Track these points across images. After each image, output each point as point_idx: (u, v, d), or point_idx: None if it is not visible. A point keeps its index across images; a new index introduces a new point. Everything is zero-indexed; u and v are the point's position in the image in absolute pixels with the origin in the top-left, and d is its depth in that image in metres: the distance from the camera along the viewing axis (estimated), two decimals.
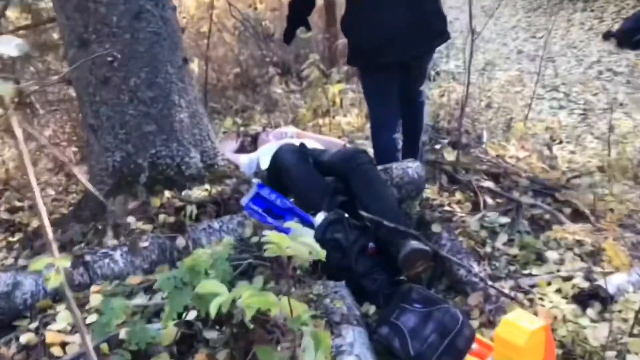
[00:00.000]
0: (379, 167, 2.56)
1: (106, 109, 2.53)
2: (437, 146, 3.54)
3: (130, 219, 2.48)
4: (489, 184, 3.07)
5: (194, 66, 5.83)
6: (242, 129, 4.25)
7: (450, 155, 3.42)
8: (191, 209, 2.45)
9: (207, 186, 2.65)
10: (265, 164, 2.88)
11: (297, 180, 2.45)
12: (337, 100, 4.64)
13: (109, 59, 2.32)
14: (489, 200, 2.91)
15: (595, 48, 7.11)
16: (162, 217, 2.47)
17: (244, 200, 2.20)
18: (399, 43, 2.67)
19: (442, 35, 2.82)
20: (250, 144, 3.75)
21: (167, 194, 2.57)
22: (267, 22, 5.22)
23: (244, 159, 3.28)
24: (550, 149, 4.13)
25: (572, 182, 3.17)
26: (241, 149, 3.72)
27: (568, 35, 7.50)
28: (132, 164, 2.59)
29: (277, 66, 5.87)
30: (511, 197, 2.87)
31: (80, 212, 2.73)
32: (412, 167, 2.65)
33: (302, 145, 2.97)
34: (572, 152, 4.39)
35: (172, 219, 2.46)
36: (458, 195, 2.95)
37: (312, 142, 3.18)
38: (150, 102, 2.55)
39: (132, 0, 2.42)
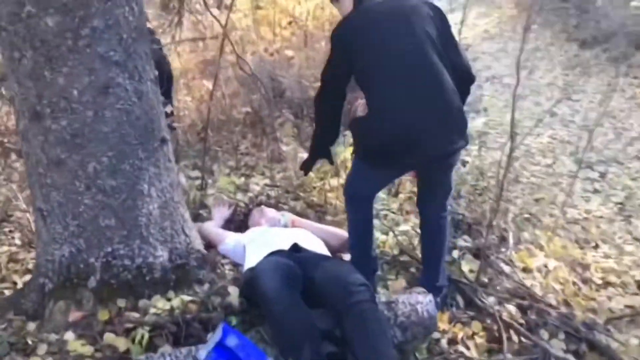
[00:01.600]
0: None
1: (57, 195, 2.07)
2: (455, 252, 3.03)
3: (69, 335, 2.01)
4: (513, 313, 2.58)
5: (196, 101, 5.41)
6: (235, 197, 3.82)
7: (467, 266, 2.92)
8: (142, 334, 1.98)
9: (170, 295, 2.18)
10: (250, 262, 2.41)
11: (277, 314, 1.96)
12: (349, 165, 4.17)
13: None
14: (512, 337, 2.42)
15: (637, 121, 6.58)
16: (108, 337, 2.00)
17: (201, 354, 1.71)
18: (429, 140, 2.25)
19: (464, 135, 2.38)
20: (243, 216, 3.29)
21: (120, 303, 2.11)
22: (279, 76, 4.75)
23: (230, 241, 2.82)
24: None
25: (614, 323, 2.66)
26: (232, 220, 3.26)
27: (607, 102, 6.96)
28: (82, 262, 2.12)
29: (290, 108, 5.43)
30: (538, 342, 2.37)
31: (23, 302, 2.27)
32: (423, 304, 2.16)
33: (295, 247, 2.49)
34: (607, 257, 3.86)
35: (120, 342, 1.99)
36: (474, 327, 2.46)
37: (309, 236, 2.70)
38: (112, 191, 2.09)
39: (99, 72, 1.96)
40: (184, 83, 6.26)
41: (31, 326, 2.15)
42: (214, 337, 1.74)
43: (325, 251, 2.59)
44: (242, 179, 4.40)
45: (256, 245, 2.60)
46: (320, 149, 2.70)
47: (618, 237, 4.17)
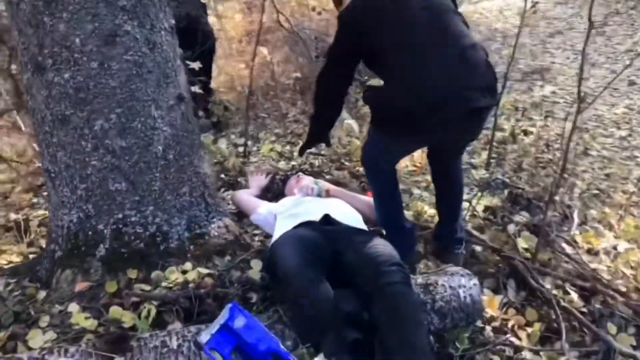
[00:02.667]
0: None
1: (64, 155, 1.90)
2: (511, 226, 2.72)
3: (73, 307, 1.85)
4: (575, 300, 2.26)
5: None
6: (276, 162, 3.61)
7: (524, 242, 2.61)
8: (149, 309, 1.79)
9: (187, 266, 1.98)
10: (278, 233, 2.20)
11: (296, 292, 1.73)
12: None
13: None
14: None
15: None
16: (114, 310, 1.83)
17: (203, 337, 1.50)
18: (455, 100, 2.00)
19: (494, 93, 2.11)
20: (281, 185, 3.08)
21: (131, 274, 1.93)
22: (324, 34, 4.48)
23: (262, 210, 2.62)
24: None
25: None
26: (269, 189, 3.06)
27: None
28: (91, 229, 1.95)
29: None
30: (600, 334, 2.05)
31: (38, 268, 2.14)
32: (466, 287, 1.89)
33: (326, 219, 2.26)
34: None
35: (126, 316, 1.82)
36: (529, 314, 2.16)
37: (344, 207, 2.45)
38: (122, 152, 1.90)
39: (104, 18, 1.75)
40: (236, 48, 6.09)
41: (42, 295, 2.02)
42: (219, 318, 1.53)
43: (361, 224, 2.35)
44: (288, 146, 4.19)
45: (286, 215, 2.38)
46: (319, 133, 2.52)
47: None
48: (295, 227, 2.17)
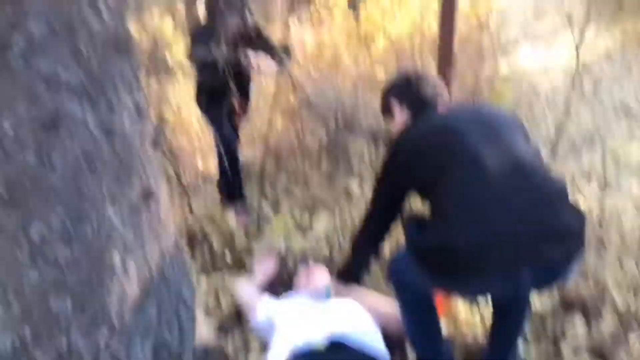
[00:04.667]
0: None
1: None
2: (564, 344, 2.20)
3: None
4: None
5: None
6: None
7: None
8: None
9: None
10: (273, 356, 1.76)
11: None
12: None
13: None
14: None
15: None
16: None
17: None
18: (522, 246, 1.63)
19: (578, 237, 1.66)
20: (288, 277, 2.66)
21: None
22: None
23: (261, 314, 2.19)
24: None
25: None
26: (277, 277, 2.65)
27: None
28: (27, 357, 1.53)
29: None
30: None
31: None
32: None
33: (334, 344, 1.80)
34: None
35: None
36: None
37: (358, 318, 2.00)
38: (67, 264, 1.49)
39: (43, 96, 1.36)
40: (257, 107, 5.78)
41: None
42: None
43: (376, 338, 1.89)
44: (307, 216, 3.78)
45: (286, 330, 1.94)
46: (349, 279, 2.25)
47: None
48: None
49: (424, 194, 1.86)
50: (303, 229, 3.54)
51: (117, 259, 1.54)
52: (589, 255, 3.28)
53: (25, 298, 1.50)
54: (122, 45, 1.52)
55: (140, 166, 1.58)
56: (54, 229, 1.46)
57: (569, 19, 3.95)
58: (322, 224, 3.61)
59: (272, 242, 3.21)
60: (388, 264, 1.96)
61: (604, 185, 3.98)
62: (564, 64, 7.32)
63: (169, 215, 1.74)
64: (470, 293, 1.86)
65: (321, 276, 2.39)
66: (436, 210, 1.76)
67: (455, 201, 1.68)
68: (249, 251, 3.18)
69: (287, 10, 5.47)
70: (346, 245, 3.15)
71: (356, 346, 1.79)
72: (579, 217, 1.67)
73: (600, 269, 2.85)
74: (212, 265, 3.10)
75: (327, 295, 2.20)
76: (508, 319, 1.92)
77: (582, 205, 4.05)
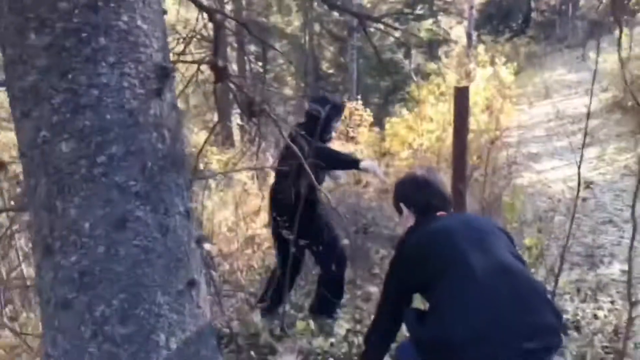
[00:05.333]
0: None
1: (63, 340, 1.81)
2: None
3: None
4: None
5: None
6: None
7: None
8: None
9: None
10: None
11: None
12: None
13: None
14: None
15: None
16: None
17: None
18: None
19: (556, 332, 1.93)
20: None
21: None
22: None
23: None
24: None
25: None
26: None
27: None
28: None
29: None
30: None
31: None
32: None
33: None
34: None
35: None
36: None
37: None
38: (122, 340, 1.78)
39: (116, 203, 1.73)
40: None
41: None
42: None
43: None
44: (329, 319, 4.00)
45: None
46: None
47: None
48: None
49: (424, 292, 2.14)
50: (325, 332, 3.76)
51: (162, 337, 1.84)
52: None
53: None
54: (177, 161, 1.91)
55: (187, 259, 1.92)
56: (113, 310, 1.77)
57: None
58: (342, 326, 3.83)
59: (295, 343, 3.44)
60: (395, 350, 2.21)
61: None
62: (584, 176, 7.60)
63: (206, 303, 2.04)
64: None
65: None
66: (433, 307, 2.04)
67: (449, 299, 1.96)
68: (273, 350, 3.41)
69: None
70: (360, 345, 3.37)
71: None
72: (555, 313, 1.93)
73: None
74: None
75: None
76: None
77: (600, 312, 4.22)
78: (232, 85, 2.66)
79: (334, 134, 4.01)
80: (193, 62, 2.61)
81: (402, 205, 2.43)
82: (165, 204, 1.84)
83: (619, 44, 2.85)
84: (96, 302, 1.76)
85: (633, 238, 2.56)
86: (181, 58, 2.72)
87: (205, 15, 2.69)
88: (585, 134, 3.75)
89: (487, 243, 2.07)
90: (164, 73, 1.80)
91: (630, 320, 2.29)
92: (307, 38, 21.18)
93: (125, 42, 1.70)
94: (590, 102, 3.82)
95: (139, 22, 1.73)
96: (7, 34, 1.68)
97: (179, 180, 1.91)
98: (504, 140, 8.37)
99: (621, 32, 2.73)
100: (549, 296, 2.01)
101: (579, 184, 3.60)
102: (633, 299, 2.30)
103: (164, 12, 1.88)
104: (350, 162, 3.77)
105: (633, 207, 2.34)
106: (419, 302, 2.54)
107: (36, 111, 1.68)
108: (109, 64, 1.68)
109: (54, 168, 1.70)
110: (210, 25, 2.80)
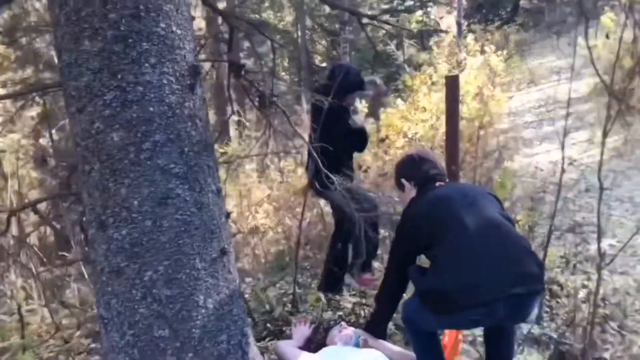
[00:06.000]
0: None
1: (117, 303, 2.11)
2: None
3: None
4: None
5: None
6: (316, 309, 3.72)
7: None
8: None
9: None
10: None
11: None
12: None
13: None
14: None
15: None
16: None
17: None
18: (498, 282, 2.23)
19: (539, 280, 2.27)
20: (323, 334, 3.16)
21: None
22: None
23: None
24: None
25: None
26: (312, 339, 3.14)
27: None
28: None
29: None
30: None
31: None
32: None
33: None
34: None
35: None
36: None
37: (377, 356, 2.52)
38: (167, 301, 2.09)
39: (159, 182, 2.04)
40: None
41: None
42: None
43: None
44: (337, 296, 4.30)
45: None
46: (378, 328, 2.84)
47: None
48: None
49: (427, 251, 2.45)
50: (333, 306, 4.06)
51: (201, 298, 2.14)
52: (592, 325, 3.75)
53: (136, 327, 2.10)
54: (208, 146, 2.21)
55: (219, 231, 2.22)
56: (159, 274, 2.08)
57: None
58: (350, 301, 4.13)
59: (306, 314, 3.74)
60: (403, 305, 2.53)
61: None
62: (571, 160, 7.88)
63: (235, 270, 2.35)
64: (463, 324, 2.41)
65: (349, 330, 2.92)
66: (433, 262, 2.36)
67: (446, 254, 2.29)
68: (287, 322, 3.70)
69: None
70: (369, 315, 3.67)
71: None
72: (538, 264, 2.24)
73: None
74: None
75: (357, 343, 2.72)
76: (496, 346, 2.45)
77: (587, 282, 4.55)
78: (244, 81, 2.95)
79: (353, 103, 4.25)
80: (212, 60, 2.90)
81: (403, 181, 2.74)
82: (200, 184, 2.14)
83: (586, 33, 3.14)
84: (145, 268, 2.07)
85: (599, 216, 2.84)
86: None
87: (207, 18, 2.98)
88: (567, 116, 4.06)
89: (480, 205, 2.39)
90: (196, 71, 2.10)
91: (598, 286, 2.60)
92: (299, 33, 21.45)
93: (164, 46, 2.00)
94: (571, 88, 4.12)
95: (174, 28, 2.03)
96: (63, 42, 1.97)
97: (210, 162, 2.21)
98: (495, 126, 8.67)
99: (587, 21, 3.03)
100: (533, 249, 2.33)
101: (562, 159, 3.90)
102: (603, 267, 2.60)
103: (193, 18, 2.18)
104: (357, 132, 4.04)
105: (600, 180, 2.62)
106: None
107: (90, 107, 1.98)
108: (151, 65, 1.98)
109: (107, 154, 2.00)
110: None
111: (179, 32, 2.05)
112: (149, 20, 1.96)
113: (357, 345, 2.72)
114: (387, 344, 2.80)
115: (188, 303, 2.12)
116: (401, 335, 3.30)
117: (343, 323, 3.13)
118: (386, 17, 18.23)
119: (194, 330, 2.13)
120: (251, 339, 2.39)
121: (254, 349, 2.38)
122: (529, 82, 15.62)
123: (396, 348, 2.75)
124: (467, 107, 7.19)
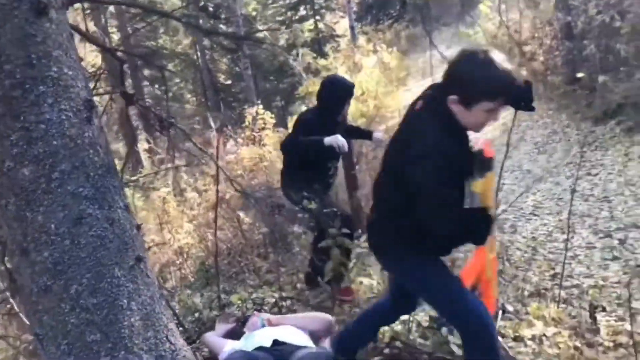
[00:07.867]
0: None
1: (48, 318, 2.37)
2: (444, 330, 3.12)
3: None
4: None
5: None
6: (241, 308, 4.04)
7: (457, 339, 3.00)
8: None
9: None
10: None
11: None
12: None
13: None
14: None
15: None
16: None
17: None
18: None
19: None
20: (242, 329, 3.51)
21: None
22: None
23: (226, 349, 3.03)
24: (593, 319, 3.59)
25: None
26: (234, 331, 3.48)
27: (626, 171, 6.98)
28: None
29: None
30: None
31: None
32: None
33: (276, 342, 2.69)
34: (621, 320, 3.80)
35: None
36: None
37: (290, 330, 2.88)
38: (94, 308, 2.37)
39: (72, 206, 2.32)
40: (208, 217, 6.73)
41: None
42: None
43: (307, 341, 2.77)
44: (261, 293, 4.63)
45: (245, 347, 2.81)
46: (482, 233, 2.55)
47: (635, 299, 4.11)
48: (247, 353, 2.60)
49: None
50: (258, 304, 4.40)
51: (125, 302, 2.43)
52: None
53: (69, 336, 2.36)
54: (110, 169, 2.51)
55: (132, 242, 2.52)
56: (84, 286, 2.35)
57: None
58: (273, 298, 4.48)
59: (231, 312, 4.07)
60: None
61: None
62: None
63: (153, 274, 2.65)
64: None
65: (255, 317, 3.28)
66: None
67: None
68: (213, 322, 4.01)
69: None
70: (289, 308, 4.04)
71: (292, 343, 2.69)
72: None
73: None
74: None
75: (262, 324, 3.09)
76: None
77: None
78: (140, 108, 3.25)
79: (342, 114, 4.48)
80: (106, 93, 3.19)
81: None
82: (108, 202, 2.44)
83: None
84: (70, 282, 2.34)
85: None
86: (94, 92, 3.28)
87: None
88: None
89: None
90: (91, 105, 2.40)
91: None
92: (198, 54, 21.63)
93: (58, 86, 2.29)
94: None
95: (66, 70, 2.33)
96: None
97: (115, 182, 2.51)
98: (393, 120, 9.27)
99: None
100: None
101: None
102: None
103: (81, 59, 2.48)
104: (314, 144, 4.09)
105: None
106: None
107: None
108: (49, 104, 2.26)
109: (20, 188, 2.27)
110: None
111: (70, 72, 2.34)
112: (41, 66, 2.24)
113: (263, 326, 3.09)
114: (293, 315, 3.18)
115: (114, 308, 2.40)
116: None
117: (255, 312, 3.50)
118: (282, 28, 18.72)
119: (122, 330, 2.41)
120: (177, 333, 2.69)
121: (180, 341, 2.68)
122: (425, 74, 16.47)
123: (305, 314, 3.13)
124: (357, 108, 7.75)
